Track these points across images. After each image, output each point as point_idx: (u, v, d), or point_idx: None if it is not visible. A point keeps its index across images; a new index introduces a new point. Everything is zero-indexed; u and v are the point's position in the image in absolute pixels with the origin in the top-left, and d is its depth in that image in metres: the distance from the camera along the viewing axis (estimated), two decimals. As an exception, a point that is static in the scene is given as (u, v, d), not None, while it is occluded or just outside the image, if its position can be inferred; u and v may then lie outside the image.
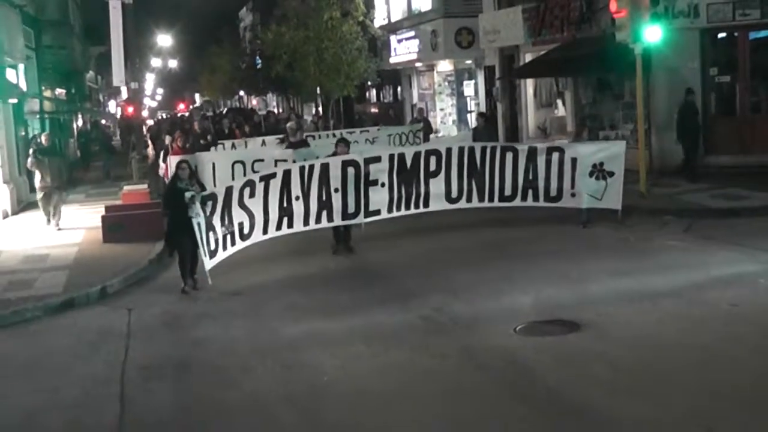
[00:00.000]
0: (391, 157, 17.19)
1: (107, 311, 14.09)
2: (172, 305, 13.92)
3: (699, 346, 10.35)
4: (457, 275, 14.62)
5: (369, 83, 46.15)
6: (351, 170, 16.63)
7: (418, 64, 41.40)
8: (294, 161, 18.95)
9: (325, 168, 16.53)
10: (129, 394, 10.19)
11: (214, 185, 18.36)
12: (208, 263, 14.63)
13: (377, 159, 17.06)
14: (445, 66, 39.47)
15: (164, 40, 71.31)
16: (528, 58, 30.54)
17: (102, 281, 15.30)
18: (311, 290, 14.37)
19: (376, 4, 43.00)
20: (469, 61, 36.67)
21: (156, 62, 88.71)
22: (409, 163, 17.22)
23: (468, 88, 37.41)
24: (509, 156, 17.76)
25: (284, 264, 16.17)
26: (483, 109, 34.60)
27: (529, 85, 31.81)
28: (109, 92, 75.21)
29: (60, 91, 42.19)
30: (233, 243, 15.40)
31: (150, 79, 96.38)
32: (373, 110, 44.94)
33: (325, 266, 15.99)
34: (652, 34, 19.19)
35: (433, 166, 17.41)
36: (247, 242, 15.76)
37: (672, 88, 23.77)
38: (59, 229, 21.02)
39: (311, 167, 16.52)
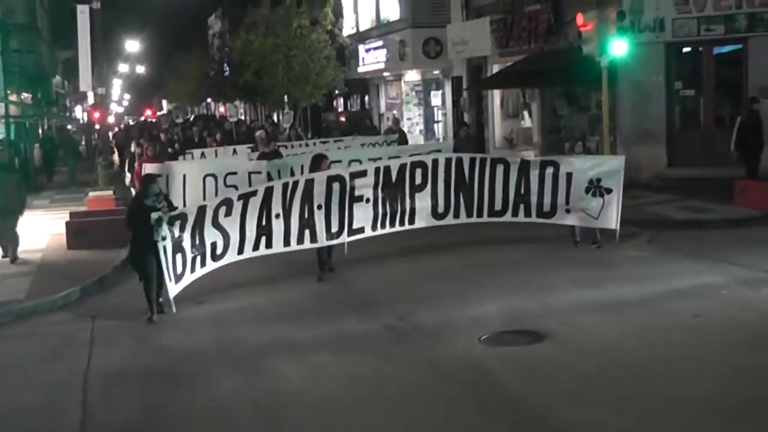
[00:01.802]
0: (377, 170, 16.12)
1: (71, 318, 14.01)
2: (136, 312, 13.81)
3: (662, 356, 10.44)
4: (422, 285, 14.66)
5: (337, 92, 46.19)
6: (336, 185, 15.45)
7: (385, 74, 41.46)
8: (268, 173, 18.48)
9: (309, 184, 15.37)
10: (91, 401, 10.13)
11: (184, 198, 17.95)
12: (173, 289, 13.58)
13: (363, 173, 15.98)
14: (412, 76, 39.54)
15: (132, 45, 70.91)
16: (495, 69, 30.68)
17: (66, 288, 15.19)
18: (276, 298, 14.33)
19: (345, 14, 43.05)
20: (436, 72, 36.77)
21: (123, 68, 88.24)
22: (394, 176, 16.20)
23: (435, 98, 37.48)
24: (500, 169, 16.84)
25: (251, 278, 15.56)
26: (450, 119, 34.74)
27: (496, 96, 31.96)
28: (76, 97, 74.76)
29: (26, 95, 41.93)
30: (203, 264, 14.33)
31: (117, 85, 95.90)
32: (341, 119, 44.99)
33: (296, 280, 15.74)
34: (619, 47, 19.33)
35: (418, 180, 16.44)
36: (220, 263, 14.62)
37: (637, 101, 24.10)
38: (14, 261, 17.95)
39: (295, 183, 15.38)
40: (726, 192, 19.92)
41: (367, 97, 45.81)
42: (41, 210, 25.59)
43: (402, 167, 16.42)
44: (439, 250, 17.06)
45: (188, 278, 14.05)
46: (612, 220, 16.68)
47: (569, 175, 16.69)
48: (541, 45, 27.18)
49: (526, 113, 30.38)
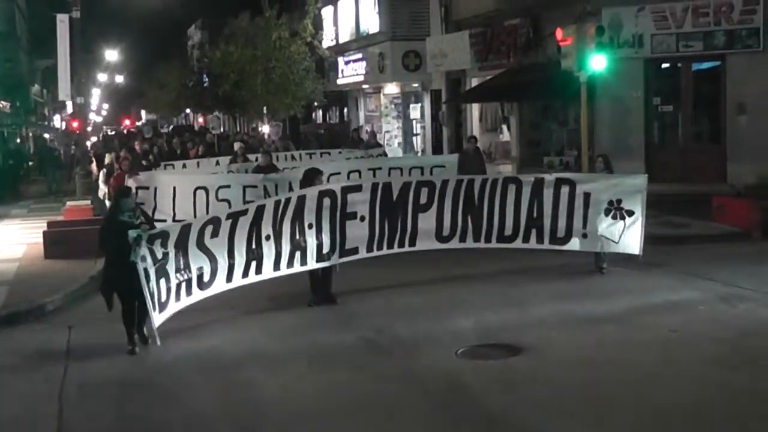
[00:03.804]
0: (375, 186, 14.97)
1: (47, 328, 13.90)
2: (112, 323, 13.68)
3: (639, 371, 10.46)
4: (399, 298, 14.66)
5: (316, 104, 46.21)
6: (326, 201, 14.29)
7: (365, 86, 41.56)
8: (264, 187, 17.50)
9: (300, 200, 14.18)
10: (67, 412, 10.05)
11: (174, 212, 17.34)
12: (157, 318, 12.29)
13: (357, 188, 14.84)
14: (391, 88, 39.64)
15: (111, 55, 70.78)
16: (474, 82, 30.80)
17: (43, 298, 15.09)
18: (254, 311, 14.22)
19: (325, 26, 43.15)
20: (415, 85, 36.88)
21: (102, 77, 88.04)
22: (396, 194, 15.00)
23: (414, 111, 37.60)
24: (512, 189, 15.39)
25: (229, 291, 14.39)
26: (429, 132, 34.80)
27: (474, 110, 32.06)
28: (54, 106, 74.50)
29: (4, 104, 41.74)
30: (189, 293, 13.05)
31: (96, 94, 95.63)
32: (321, 131, 45.00)
33: (274, 294, 15.49)
34: (597, 62, 19.40)
35: (423, 199, 15.16)
36: (207, 292, 13.37)
37: (616, 117, 24.22)
38: None
39: (287, 201, 14.16)
40: (704, 208, 20.02)
41: (346, 110, 45.87)
42: (19, 219, 25.48)
43: (406, 185, 15.29)
44: (417, 264, 17.01)
45: (173, 307, 12.81)
46: (635, 245, 15.39)
47: (587, 196, 15.30)
48: (520, 59, 27.30)
49: (504, 127, 30.48)
